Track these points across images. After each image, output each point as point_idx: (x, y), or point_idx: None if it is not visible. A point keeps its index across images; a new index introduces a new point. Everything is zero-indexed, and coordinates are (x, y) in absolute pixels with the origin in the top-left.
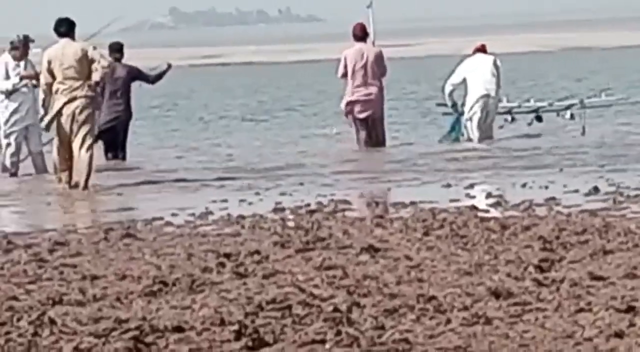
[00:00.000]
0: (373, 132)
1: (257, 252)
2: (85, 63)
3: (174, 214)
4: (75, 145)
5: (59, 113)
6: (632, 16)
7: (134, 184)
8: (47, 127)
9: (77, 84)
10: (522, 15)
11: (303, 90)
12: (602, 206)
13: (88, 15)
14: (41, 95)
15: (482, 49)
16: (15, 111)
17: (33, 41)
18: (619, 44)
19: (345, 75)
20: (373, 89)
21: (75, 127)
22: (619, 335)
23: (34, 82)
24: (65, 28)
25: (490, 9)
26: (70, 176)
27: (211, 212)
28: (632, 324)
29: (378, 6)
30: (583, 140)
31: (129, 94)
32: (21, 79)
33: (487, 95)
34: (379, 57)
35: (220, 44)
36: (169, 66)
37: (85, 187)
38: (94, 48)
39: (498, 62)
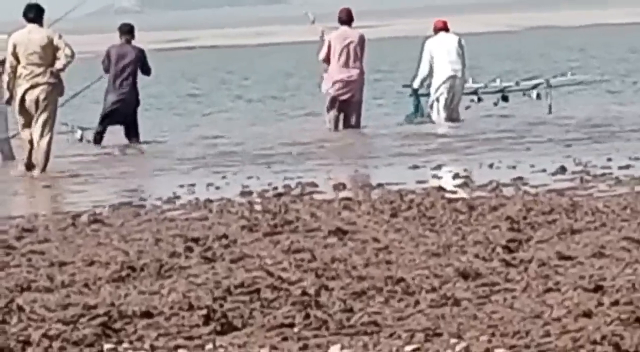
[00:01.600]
0: (351, 115)
1: (225, 236)
2: (49, 50)
3: (141, 199)
4: (35, 130)
5: (22, 99)
6: None
7: (99, 169)
8: (9, 103)
9: (40, 70)
10: None
11: (268, 73)
12: (569, 185)
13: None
14: (5, 78)
15: (444, 27)
16: None
17: None
18: (584, 23)
19: (327, 59)
20: (354, 72)
21: (37, 113)
22: (587, 315)
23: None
24: (33, 14)
25: None
26: (29, 158)
27: (178, 197)
28: (600, 304)
29: None
30: (549, 119)
31: (136, 76)
32: None
33: (454, 76)
34: (362, 41)
35: (185, 28)
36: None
37: (43, 170)
38: (60, 37)
39: (463, 42)
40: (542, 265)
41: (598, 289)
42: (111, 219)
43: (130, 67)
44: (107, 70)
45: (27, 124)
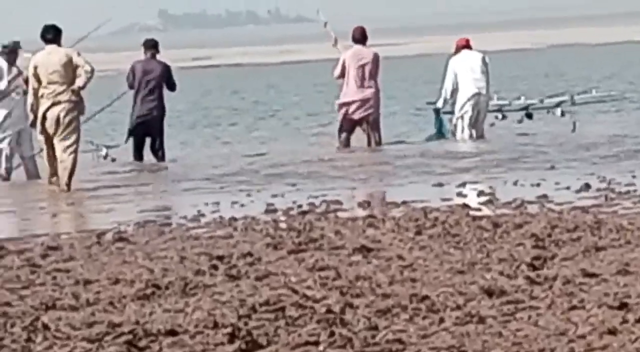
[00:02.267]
0: (371, 134)
1: (250, 254)
2: (69, 69)
3: (166, 217)
4: (59, 147)
5: (44, 117)
6: (621, 11)
7: (124, 186)
8: (33, 125)
9: (61, 88)
10: (507, 13)
11: (288, 91)
12: (594, 202)
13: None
14: (29, 100)
15: (467, 45)
16: (6, 117)
17: (21, 48)
18: (608, 41)
19: (342, 76)
20: (369, 91)
21: (59, 130)
22: (612, 332)
23: (24, 87)
24: (51, 35)
25: (474, 6)
26: (55, 173)
27: (203, 215)
28: (625, 321)
29: (361, 5)
30: (573, 136)
31: (162, 91)
32: (9, 83)
33: (479, 94)
34: (376, 60)
35: (209, 46)
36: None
37: (68, 189)
38: (79, 54)
39: (487, 59)
40: (567, 282)
41: (623, 306)
42: (136, 237)
43: (156, 81)
44: (131, 86)
45: (49, 143)
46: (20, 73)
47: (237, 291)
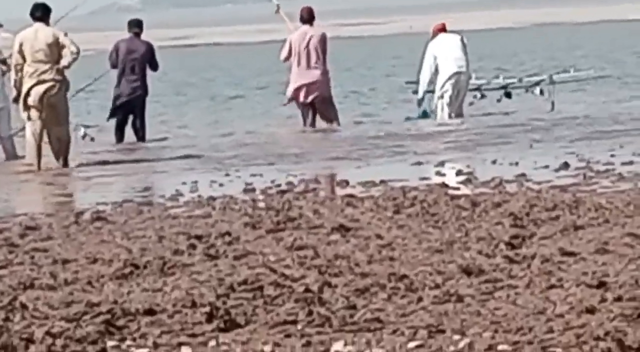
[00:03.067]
0: (324, 114)
1: (228, 233)
2: (55, 48)
3: (144, 196)
4: (50, 127)
5: (27, 94)
6: None
7: (102, 165)
8: (16, 101)
9: (45, 67)
10: None
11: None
12: (572, 181)
13: None
14: (12, 76)
15: (443, 29)
16: None
17: (1, 26)
18: (590, 19)
19: (288, 58)
20: (316, 72)
21: (47, 111)
22: (591, 311)
23: (3, 67)
24: (40, 13)
25: None
26: (39, 159)
27: (182, 194)
28: (603, 300)
29: None
30: (552, 115)
31: (145, 71)
32: None
33: (459, 73)
34: (323, 40)
35: (187, 26)
36: None
37: (65, 165)
38: (66, 34)
39: (465, 40)
40: (545, 261)
41: (601, 285)
42: (114, 216)
43: (139, 60)
44: (114, 65)
45: (33, 122)
46: None
47: (215, 270)
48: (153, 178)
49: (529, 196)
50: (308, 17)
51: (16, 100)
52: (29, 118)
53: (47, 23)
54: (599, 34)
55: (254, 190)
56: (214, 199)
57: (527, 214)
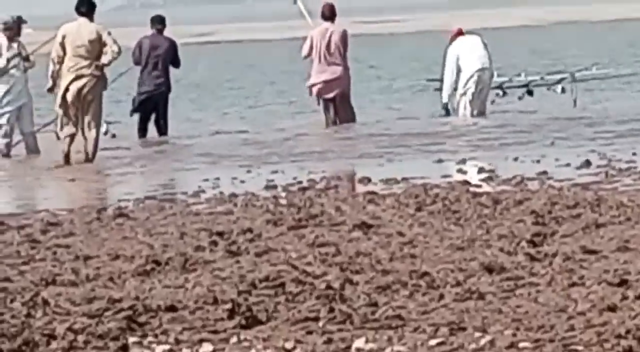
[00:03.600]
0: (341, 110)
1: (250, 230)
2: (97, 45)
3: (166, 193)
4: (84, 122)
5: (66, 89)
6: None
7: (125, 163)
8: (51, 90)
9: (85, 63)
10: None
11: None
12: (594, 179)
13: None
14: (51, 67)
15: (460, 33)
16: (7, 92)
17: (26, 22)
18: (610, 18)
19: (309, 55)
20: (338, 68)
21: (83, 105)
22: (612, 309)
23: (25, 63)
24: (85, 8)
25: None
26: (69, 147)
27: (203, 191)
28: (624, 298)
29: None
30: (574, 113)
31: (168, 67)
32: (8, 60)
33: (482, 69)
34: (344, 37)
35: (209, 22)
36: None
37: (92, 160)
38: (109, 33)
39: (485, 40)
40: (567, 259)
41: (623, 283)
42: (136, 212)
43: (163, 56)
44: (137, 62)
45: (68, 117)
46: (20, 51)
47: (237, 267)
48: (175, 175)
49: (551, 193)
50: (329, 14)
51: (51, 90)
52: (65, 114)
53: (91, 19)
54: (620, 32)
55: (275, 187)
56: (235, 195)
57: (549, 212)
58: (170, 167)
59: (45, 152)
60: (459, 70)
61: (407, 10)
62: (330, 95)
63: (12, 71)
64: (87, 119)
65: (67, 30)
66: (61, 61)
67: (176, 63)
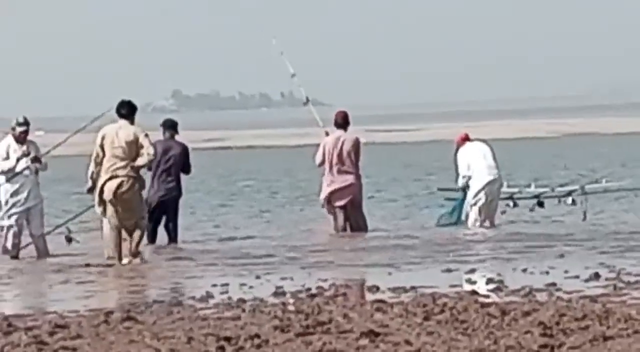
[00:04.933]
0: (352, 218)
1: (257, 336)
2: (134, 147)
3: (174, 297)
4: (123, 222)
5: (102, 190)
6: (635, 102)
7: (133, 266)
8: (90, 191)
9: (122, 164)
10: (522, 101)
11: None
12: (603, 292)
13: (92, 97)
14: (91, 168)
15: (467, 138)
16: (15, 193)
17: (29, 124)
18: (622, 131)
19: (323, 162)
20: (350, 176)
21: (121, 206)
22: None
23: (37, 165)
24: (125, 110)
25: (490, 94)
26: (119, 252)
27: (212, 296)
28: None
29: (376, 91)
30: (584, 226)
31: (180, 172)
32: (18, 160)
33: (493, 181)
34: (356, 144)
35: (222, 128)
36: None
37: (135, 257)
38: (146, 135)
39: (491, 146)
40: None
41: None
42: (144, 316)
43: (174, 161)
44: (149, 167)
45: (109, 220)
46: (29, 151)
47: None
48: (184, 279)
49: (559, 305)
50: (342, 122)
51: (90, 191)
52: (104, 214)
53: (131, 121)
54: (632, 145)
55: (284, 293)
56: (244, 301)
57: (557, 324)
58: (179, 272)
59: (54, 253)
60: (469, 178)
61: (425, 119)
62: (342, 202)
63: (25, 172)
64: (127, 220)
65: (106, 132)
66: (101, 162)
67: (187, 169)
